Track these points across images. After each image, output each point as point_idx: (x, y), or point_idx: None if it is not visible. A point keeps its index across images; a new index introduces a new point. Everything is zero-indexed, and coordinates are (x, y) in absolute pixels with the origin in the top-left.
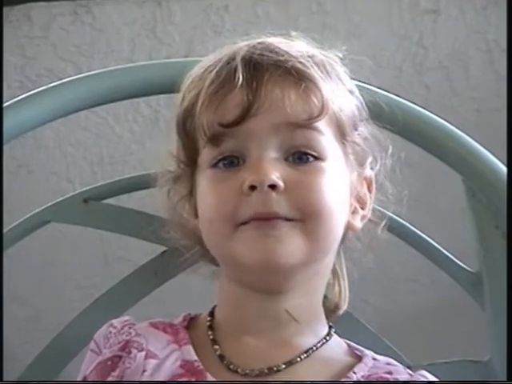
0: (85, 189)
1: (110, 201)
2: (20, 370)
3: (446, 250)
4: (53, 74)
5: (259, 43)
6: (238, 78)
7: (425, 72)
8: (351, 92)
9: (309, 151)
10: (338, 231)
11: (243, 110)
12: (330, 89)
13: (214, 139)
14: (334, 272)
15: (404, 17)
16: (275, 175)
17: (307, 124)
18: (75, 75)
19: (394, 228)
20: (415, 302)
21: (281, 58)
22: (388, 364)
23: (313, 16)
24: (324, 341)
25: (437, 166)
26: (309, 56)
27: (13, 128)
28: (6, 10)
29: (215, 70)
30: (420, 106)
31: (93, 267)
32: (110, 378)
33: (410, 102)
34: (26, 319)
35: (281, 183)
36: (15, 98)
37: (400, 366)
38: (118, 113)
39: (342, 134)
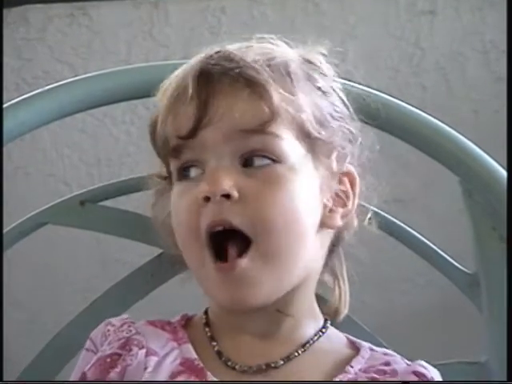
0: (82, 191)
1: (107, 203)
2: (17, 372)
3: (443, 251)
4: (49, 76)
5: (216, 52)
6: (189, 91)
7: (421, 73)
8: (323, 89)
9: (265, 154)
10: (303, 240)
11: (195, 122)
12: (285, 91)
13: (174, 151)
14: (334, 275)
15: (401, 18)
16: (228, 184)
17: (259, 130)
18: (72, 77)
19: (390, 229)
20: (412, 303)
21: (231, 66)
22: (385, 354)
23: (309, 17)
24: (320, 333)
25: (433, 167)
26: (267, 59)
27: (10, 130)
28: (3, 12)
29: (173, 84)
30: (417, 107)
31: (90, 269)
32: (111, 374)
33: (407, 103)
34: (23, 321)
35: (234, 192)
36: (12, 100)
37: (397, 356)
38: (115, 115)
39: (305, 133)
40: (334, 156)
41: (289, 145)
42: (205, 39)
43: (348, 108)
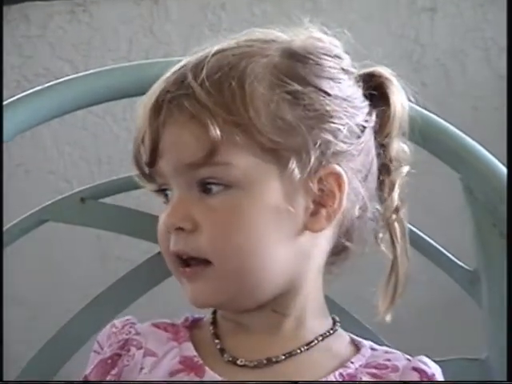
0: (82, 188)
1: (108, 200)
2: (18, 369)
3: (443, 248)
4: (50, 73)
5: (176, 72)
6: (145, 121)
7: (422, 70)
8: (293, 92)
9: (216, 181)
10: (265, 256)
11: (151, 153)
12: (231, 114)
13: (147, 176)
14: (392, 266)
15: (401, 14)
16: (180, 217)
17: (203, 162)
18: (72, 74)
19: None
20: (412, 300)
21: (179, 93)
22: (386, 352)
23: (309, 14)
24: (327, 334)
25: (434, 163)
26: (221, 75)
27: (10, 127)
28: (3, 9)
29: (141, 107)
30: (417, 104)
31: (90, 266)
32: (109, 377)
33: (407, 100)
34: (24, 319)
35: (186, 225)
36: (13, 97)
37: (398, 353)
38: (116, 112)
39: (263, 148)
40: (306, 160)
41: (240, 167)
42: (205, 36)
43: (332, 96)
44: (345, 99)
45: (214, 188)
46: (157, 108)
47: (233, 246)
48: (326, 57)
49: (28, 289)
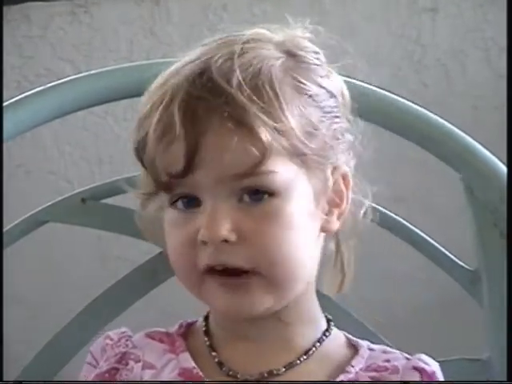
0: (83, 189)
1: (108, 200)
2: (18, 369)
3: (444, 248)
4: (51, 73)
5: (200, 75)
6: (177, 130)
7: (423, 70)
8: (310, 93)
9: (260, 190)
10: (304, 260)
11: (186, 163)
12: (274, 120)
13: (166, 188)
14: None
15: (402, 15)
16: (226, 229)
17: (250, 173)
18: (73, 75)
19: (391, 225)
20: (413, 300)
21: (218, 102)
22: (384, 352)
23: (310, 14)
24: (324, 337)
25: (434, 163)
26: (252, 77)
27: (11, 128)
28: (4, 9)
29: (157, 113)
30: (418, 104)
31: (91, 267)
32: None
33: (408, 99)
34: (24, 318)
35: (232, 237)
36: (13, 97)
37: (397, 352)
38: (117, 112)
39: (296, 152)
40: (326, 162)
41: (282, 174)
42: (206, 37)
43: (335, 96)
44: (336, 95)
45: (256, 197)
46: (189, 116)
47: (282, 255)
48: (313, 54)
49: (28, 289)
